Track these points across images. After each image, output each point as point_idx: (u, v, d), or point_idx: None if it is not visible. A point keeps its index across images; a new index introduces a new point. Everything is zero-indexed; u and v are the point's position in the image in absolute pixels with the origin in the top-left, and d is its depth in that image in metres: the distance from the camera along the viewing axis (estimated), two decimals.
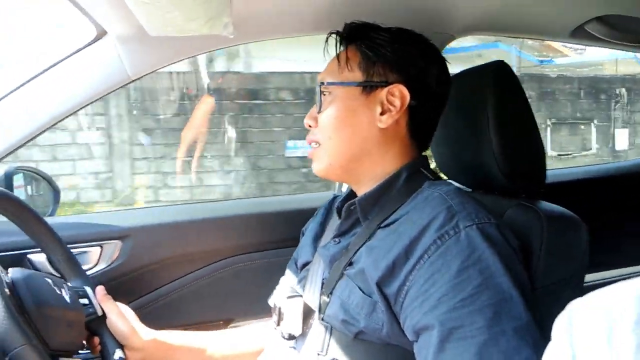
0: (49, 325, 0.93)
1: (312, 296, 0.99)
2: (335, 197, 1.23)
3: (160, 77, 5.43)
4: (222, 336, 1.23)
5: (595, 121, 7.22)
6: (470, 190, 1.16)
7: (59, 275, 1.15)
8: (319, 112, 1.01)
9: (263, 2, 1.22)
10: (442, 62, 1.03)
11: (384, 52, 0.98)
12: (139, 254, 1.46)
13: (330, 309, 0.93)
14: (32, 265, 1.35)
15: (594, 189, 1.85)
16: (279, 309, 1.03)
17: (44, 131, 1.29)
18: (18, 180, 1.47)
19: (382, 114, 0.97)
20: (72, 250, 1.19)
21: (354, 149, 0.99)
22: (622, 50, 1.66)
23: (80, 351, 1.06)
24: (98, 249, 1.43)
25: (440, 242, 0.82)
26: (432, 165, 1.08)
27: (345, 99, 0.99)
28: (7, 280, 0.91)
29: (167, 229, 1.50)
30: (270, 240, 1.57)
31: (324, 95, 1.00)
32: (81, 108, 1.31)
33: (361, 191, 1.01)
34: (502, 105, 1.04)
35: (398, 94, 0.97)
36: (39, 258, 1.34)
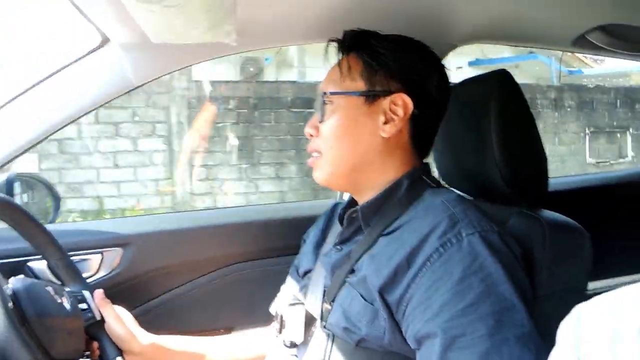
0: (51, 335, 0.93)
1: (314, 304, 0.99)
2: (336, 205, 1.23)
3: (217, 86, 5.55)
4: (222, 342, 1.23)
5: (631, 129, 7.45)
6: (471, 198, 1.16)
7: (58, 282, 1.15)
8: (321, 121, 1.01)
9: (266, 10, 1.22)
10: (442, 70, 1.03)
11: (385, 60, 0.98)
12: (139, 261, 1.46)
13: (332, 317, 0.93)
14: (32, 273, 1.34)
15: (596, 198, 1.85)
16: (281, 316, 1.03)
17: (46, 137, 1.29)
18: (19, 187, 1.47)
19: (385, 123, 0.97)
20: (73, 257, 1.19)
21: (356, 159, 0.99)
22: (623, 59, 1.66)
23: (80, 359, 1.07)
24: (99, 256, 1.43)
25: (443, 250, 0.82)
26: (434, 172, 1.08)
27: (348, 108, 0.99)
28: (9, 293, 0.91)
29: (168, 237, 1.50)
30: (272, 248, 1.57)
31: (326, 104, 1.00)
32: (85, 114, 1.31)
33: (363, 199, 1.01)
34: (505, 114, 1.04)
35: (401, 103, 0.97)
36: (39, 265, 1.33)
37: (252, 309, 1.27)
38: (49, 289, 1.00)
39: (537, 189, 1.08)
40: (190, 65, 1.38)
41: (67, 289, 1.12)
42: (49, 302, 0.97)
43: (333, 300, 0.94)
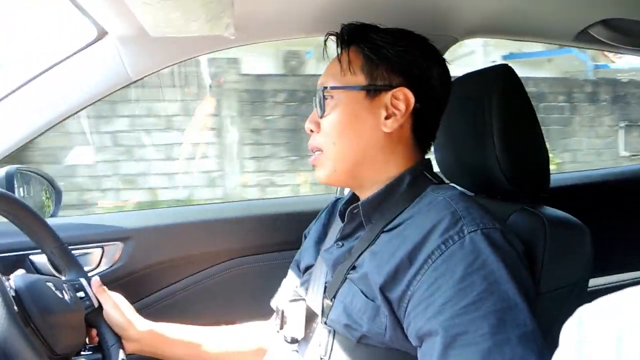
0: (54, 332, 0.94)
1: (315, 300, 0.99)
2: (337, 200, 1.22)
3: (267, 80, 5.62)
4: (219, 332, 1.23)
5: None
6: (472, 194, 1.16)
7: (57, 273, 1.15)
8: (321, 116, 0.99)
9: (264, 3, 1.21)
10: (443, 63, 1.02)
11: (386, 53, 0.97)
12: (140, 255, 1.46)
13: (333, 313, 0.93)
14: (33, 266, 1.35)
15: (597, 194, 1.84)
16: (282, 312, 1.03)
17: (44, 132, 1.28)
18: (19, 181, 1.46)
19: (386, 118, 0.96)
20: (73, 251, 1.19)
21: (358, 155, 0.98)
22: (626, 53, 1.65)
23: (82, 351, 1.07)
24: (99, 250, 1.43)
25: (445, 247, 0.81)
26: (435, 168, 1.07)
27: (349, 103, 0.97)
28: (13, 294, 0.91)
29: (169, 231, 1.50)
30: (273, 243, 1.57)
31: (326, 99, 0.99)
32: (82, 109, 1.31)
33: (364, 195, 1.01)
34: (506, 109, 1.03)
35: (402, 98, 0.96)
36: (40, 259, 1.34)
37: (253, 303, 1.27)
38: (50, 284, 1.00)
39: (538, 185, 1.07)
40: (188, 59, 1.37)
41: (65, 278, 1.12)
42: (51, 299, 0.97)
43: (334, 297, 0.94)
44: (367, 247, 0.93)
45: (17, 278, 0.95)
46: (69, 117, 1.30)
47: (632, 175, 1.98)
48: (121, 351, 1.07)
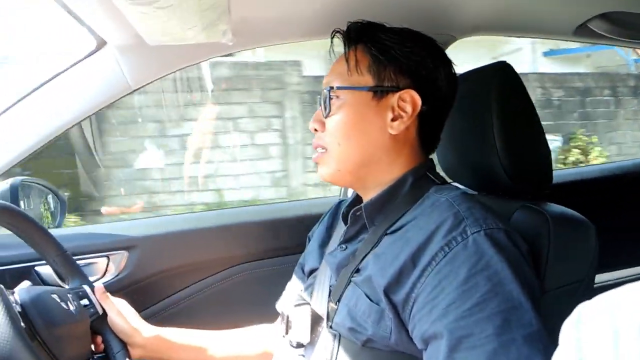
0: (61, 344, 0.94)
1: (320, 304, 0.98)
2: (340, 202, 1.22)
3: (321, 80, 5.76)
4: (224, 337, 1.23)
5: None
6: (475, 192, 1.15)
7: (61, 281, 1.16)
8: (327, 116, 0.98)
9: (261, 8, 1.21)
10: (450, 64, 1.01)
11: (394, 54, 0.96)
12: (145, 264, 1.46)
13: (337, 317, 0.92)
14: (39, 277, 1.35)
15: (601, 189, 1.83)
16: (287, 317, 1.03)
17: (47, 143, 1.29)
18: (23, 192, 1.47)
19: (393, 120, 0.96)
20: (79, 261, 1.19)
21: (363, 156, 0.97)
22: (625, 46, 1.64)
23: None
24: (105, 259, 1.43)
25: (448, 249, 0.80)
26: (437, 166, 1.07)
27: (356, 104, 0.97)
28: (18, 310, 0.91)
29: (174, 239, 1.50)
30: (277, 247, 1.57)
31: (332, 99, 0.98)
32: (84, 119, 1.31)
33: (367, 196, 1.00)
34: (506, 106, 1.03)
35: (409, 100, 0.95)
36: (45, 270, 1.34)
37: (259, 308, 1.27)
38: (55, 296, 1.00)
39: (540, 181, 1.07)
40: (187, 67, 1.37)
41: (68, 286, 1.12)
42: (57, 311, 0.98)
43: (339, 300, 0.93)
44: (370, 250, 0.92)
45: (21, 292, 0.96)
46: (71, 127, 1.30)
47: (636, 170, 1.97)
48: (127, 358, 1.08)
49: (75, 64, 1.27)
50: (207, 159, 5.17)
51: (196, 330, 1.22)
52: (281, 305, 1.16)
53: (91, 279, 1.21)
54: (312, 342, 0.97)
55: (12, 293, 0.95)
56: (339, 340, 0.92)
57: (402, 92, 0.95)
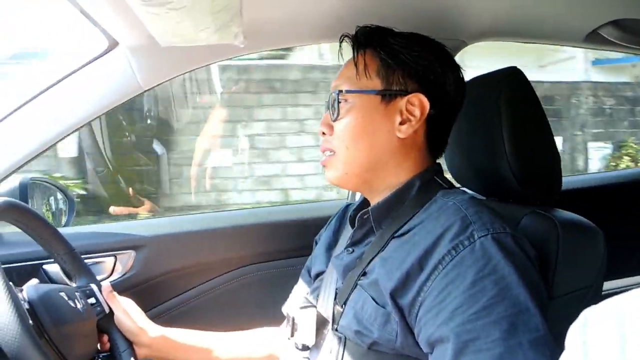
0: (68, 342, 0.95)
1: (326, 306, 0.98)
2: (348, 206, 1.22)
3: None
4: (230, 338, 1.23)
5: None
6: (483, 197, 1.15)
7: (68, 279, 1.16)
8: (335, 120, 0.99)
9: (272, 11, 1.22)
10: (458, 69, 1.02)
11: (403, 58, 0.96)
12: (152, 264, 1.46)
13: (343, 320, 0.92)
14: (47, 276, 1.36)
15: (610, 196, 1.82)
16: (293, 319, 1.03)
17: (57, 142, 1.29)
18: (33, 191, 1.48)
19: (401, 123, 0.96)
20: (86, 260, 1.20)
21: (371, 159, 0.97)
22: (636, 54, 1.64)
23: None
24: (112, 259, 1.44)
25: (455, 253, 0.80)
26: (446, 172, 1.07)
27: (364, 107, 0.97)
28: (27, 307, 0.91)
29: (181, 239, 1.51)
30: (283, 250, 1.57)
31: (340, 103, 0.98)
32: (94, 119, 1.32)
33: (375, 200, 1.00)
34: (516, 112, 1.03)
35: (418, 103, 0.95)
36: (53, 268, 1.35)
37: (266, 310, 1.27)
38: (62, 294, 1.01)
39: (550, 187, 1.06)
40: (199, 68, 1.38)
41: (75, 284, 1.13)
42: (65, 309, 0.98)
43: (345, 303, 0.93)
44: (377, 253, 0.92)
45: (30, 289, 0.96)
46: (81, 126, 1.31)
47: None
48: (133, 358, 1.08)
49: (86, 64, 1.28)
50: (273, 159, 5.25)
51: (202, 331, 1.22)
52: (287, 308, 1.16)
53: (98, 278, 1.21)
54: (318, 345, 0.97)
55: (21, 290, 0.96)
56: (345, 343, 0.91)
57: (410, 95, 0.96)
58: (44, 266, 1.36)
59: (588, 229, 0.98)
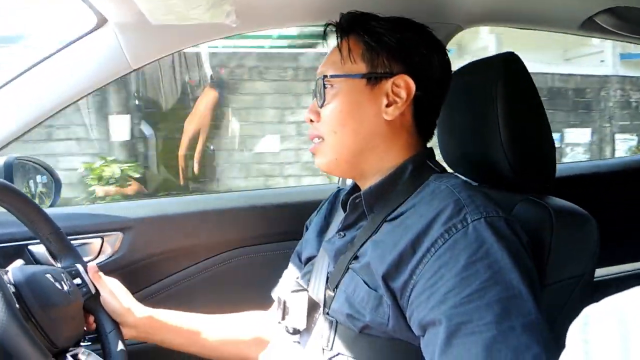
0: (55, 325, 0.93)
1: (317, 290, 0.98)
2: (339, 190, 1.21)
3: None
4: (217, 320, 1.22)
5: None
6: (476, 184, 1.15)
7: (53, 260, 1.14)
8: (321, 106, 0.99)
9: None
10: (443, 50, 1.02)
11: (386, 41, 0.96)
12: (140, 246, 1.45)
13: (335, 304, 0.92)
14: (32, 256, 1.34)
15: (603, 183, 1.83)
16: (284, 303, 1.02)
17: (44, 121, 1.27)
18: (18, 170, 1.45)
19: (387, 105, 0.96)
20: (73, 241, 1.18)
21: (360, 143, 0.97)
22: (630, 42, 1.63)
23: (82, 342, 1.07)
24: (99, 240, 1.42)
25: (448, 236, 0.80)
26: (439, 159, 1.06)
27: (350, 92, 0.97)
28: (13, 290, 0.89)
29: (169, 221, 1.49)
30: (274, 233, 1.56)
31: (326, 88, 0.98)
32: (82, 97, 1.29)
33: (366, 185, 1.00)
34: (512, 98, 1.02)
35: (403, 85, 0.95)
36: (38, 249, 1.33)
37: (255, 293, 1.26)
38: (49, 275, 0.99)
39: (544, 175, 1.06)
40: (189, 47, 1.35)
41: (61, 265, 1.11)
42: (52, 292, 0.96)
43: (336, 287, 0.93)
44: (369, 237, 0.92)
45: (15, 271, 0.94)
46: (69, 105, 1.29)
47: (637, 165, 1.97)
48: (120, 339, 1.07)
49: (74, 41, 1.25)
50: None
51: (189, 313, 1.21)
52: (277, 292, 1.16)
53: (85, 259, 1.19)
54: (309, 329, 0.97)
55: (6, 272, 0.94)
56: (336, 327, 0.91)
57: (395, 77, 0.96)
58: (29, 247, 1.34)
59: (581, 217, 0.98)
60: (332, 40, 1.04)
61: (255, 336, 1.20)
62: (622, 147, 6.27)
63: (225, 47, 4.72)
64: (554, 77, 5.95)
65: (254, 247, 1.55)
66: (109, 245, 1.43)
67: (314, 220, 1.20)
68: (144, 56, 1.30)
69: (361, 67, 0.97)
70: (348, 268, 0.93)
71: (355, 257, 0.93)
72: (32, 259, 1.34)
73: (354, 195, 1.00)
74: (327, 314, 0.93)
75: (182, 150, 4.37)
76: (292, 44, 5.21)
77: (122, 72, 1.29)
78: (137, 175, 4.18)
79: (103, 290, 1.12)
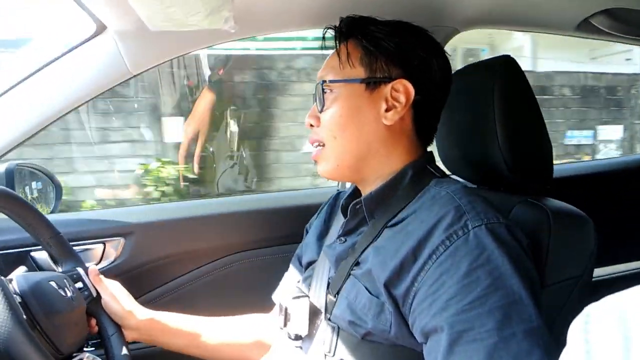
0: (60, 332, 0.94)
1: (318, 296, 0.98)
2: (339, 194, 1.22)
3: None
4: (218, 323, 1.23)
5: None
6: (475, 186, 1.15)
7: (55, 264, 1.15)
8: (321, 110, 0.99)
9: None
10: (443, 54, 1.01)
11: (385, 45, 0.96)
12: (142, 251, 1.45)
13: (337, 310, 0.92)
14: (34, 263, 1.34)
15: (600, 184, 1.84)
16: (285, 309, 1.02)
17: (44, 128, 1.27)
18: (19, 177, 1.46)
19: (387, 110, 0.96)
20: (75, 247, 1.19)
21: (360, 148, 0.97)
22: (626, 43, 1.64)
23: (85, 347, 1.07)
24: (101, 246, 1.43)
25: (449, 243, 0.80)
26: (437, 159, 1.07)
27: (349, 96, 0.97)
28: (19, 300, 0.90)
29: (170, 226, 1.50)
30: (274, 237, 1.57)
31: (326, 93, 0.98)
32: (82, 104, 1.30)
33: (367, 190, 1.00)
34: (509, 100, 1.03)
35: (402, 89, 0.95)
36: (41, 255, 1.34)
37: (256, 297, 1.27)
38: (53, 282, 0.99)
39: (541, 176, 1.06)
40: (188, 53, 1.36)
41: (62, 269, 1.12)
42: (56, 299, 0.97)
43: (337, 293, 0.93)
44: (370, 243, 0.92)
45: (20, 280, 0.95)
46: (69, 112, 1.29)
47: (636, 165, 1.97)
48: (123, 342, 1.08)
49: (73, 48, 1.25)
50: None
51: (190, 315, 1.22)
52: (278, 296, 1.16)
53: (87, 265, 1.20)
54: (311, 335, 0.97)
55: (10, 281, 0.94)
56: (338, 332, 0.91)
57: (394, 82, 0.95)
58: (32, 253, 1.35)
59: (579, 219, 0.99)
60: (330, 45, 1.04)
61: (256, 339, 1.21)
62: None
63: (274, 49, 4.76)
64: (586, 76, 6.03)
65: (255, 251, 1.55)
66: (111, 250, 1.43)
67: (314, 224, 1.20)
68: (143, 62, 1.30)
69: (360, 72, 0.97)
70: (349, 274, 0.93)
71: (357, 263, 0.93)
72: (35, 266, 1.34)
73: (355, 201, 1.00)
74: (329, 319, 0.94)
75: (233, 151, 4.44)
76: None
77: (121, 78, 1.30)
78: (192, 177, 4.22)
79: (104, 293, 1.13)
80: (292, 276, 1.18)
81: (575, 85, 6.22)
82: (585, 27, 1.42)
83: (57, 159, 4.07)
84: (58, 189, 1.56)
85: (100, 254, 1.42)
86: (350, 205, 1.01)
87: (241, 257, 1.54)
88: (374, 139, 0.97)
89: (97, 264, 1.41)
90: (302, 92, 4.92)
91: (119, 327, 1.11)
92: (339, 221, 1.09)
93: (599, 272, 1.63)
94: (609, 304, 0.45)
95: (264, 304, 1.22)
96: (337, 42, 1.01)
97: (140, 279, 1.45)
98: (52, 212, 1.50)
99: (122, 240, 1.44)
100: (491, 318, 0.73)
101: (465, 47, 6.26)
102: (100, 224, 1.45)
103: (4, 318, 0.78)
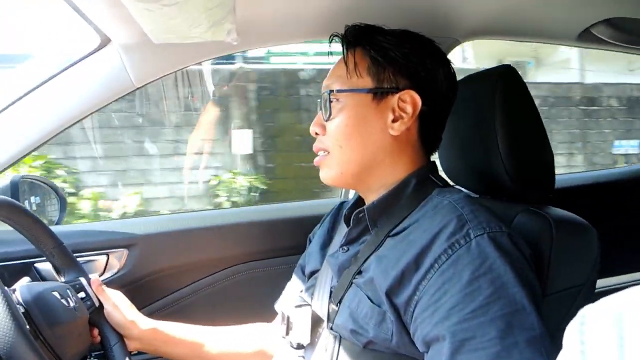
0: (63, 342, 0.95)
1: (321, 305, 0.98)
2: (342, 204, 1.22)
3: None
4: (221, 333, 1.23)
5: None
6: (477, 195, 1.15)
7: (57, 277, 1.15)
8: (327, 119, 0.99)
9: (266, 8, 1.21)
10: (449, 64, 1.02)
11: (393, 55, 0.96)
12: (145, 262, 1.46)
13: (339, 319, 0.92)
14: (38, 274, 1.35)
15: (603, 194, 1.83)
16: (288, 318, 1.02)
17: (49, 140, 1.28)
18: (24, 189, 1.47)
19: (393, 121, 0.96)
20: (78, 259, 1.19)
21: (365, 158, 0.97)
22: (627, 52, 1.64)
23: (87, 358, 1.07)
24: (104, 257, 1.43)
25: (451, 252, 0.80)
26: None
27: (356, 106, 0.97)
28: (22, 311, 0.91)
29: (174, 237, 1.50)
30: (277, 248, 1.57)
31: (332, 102, 0.98)
32: (86, 116, 1.31)
33: (370, 198, 1.00)
34: (510, 110, 1.03)
35: (409, 100, 0.95)
36: (44, 266, 1.34)
37: (258, 308, 1.27)
38: (56, 293, 1.00)
39: (544, 185, 1.06)
40: (192, 65, 1.37)
41: (65, 279, 1.12)
42: (59, 310, 0.98)
43: (340, 302, 0.93)
44: (373, 252, 0.92)
45: (23, 290, 0.95)
46: (73, 124, 1.30)
47: (638, 175, 1.97)
48: (126, 352, 1.08)
49: (78, 61, 1.26)
50: None
51: (192, 325, 1.22)
52: (281, 305, 1.16)
53: (90, 276, 1.20)
54: (313, 343, 0.97)
55: (14, 291, 0.95)
56: (340, 341, 0.91)
57: (401, 92, 0.96)
58: (36, 264, 1.35)
59: (582, 227, 0.99)
60: (337, 53, 1.04)
61: (258, 348, 1.21)
62: None
63: (316, 63, 4.77)
64: (631, 87, 6.13)
65: (258, 262, 1.55)
66: (115, 261, 1.43)
67: (317, 233, 1.20)
68: (147, 75, 1.31)
69: (367, 82, 0.97)
70: (352, 283, 0.93)
71: (359, 272, 0.93)
72: (39, 277, 1.34)
73: (358, 210, 1.00)
74: (331, 328, 0.93)
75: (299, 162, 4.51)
76: None
77: (125, 90, 1.31)
78: (263, 187, 4.30)
79: (106, 303, 1.13)
80: (295, 285, 1.18)
81: (621, 97, 6.37)
82: (587, 37, 1.43)
83: (132, 171, 4.16)
84: (62, 201, 1.56)
85: (104, 265, 1.42)
86: (353, 214, 1.01)
87: (244, 268, 1.54)
88: (380, 149, 0.97)
89: (100, 275, 1.41)
90: None
91: (121, 337, 1.11)
92: (342, 231, 1.10)
93: (603, 282, 1.62)
94: (604, 305, 0.45)
95: (268, 316, 1.22)
96: (344, 50, 1.01)
97: (143, 291, 1.45)
98: (56, 223, 1.50)
99: (125, 251, 1.44)
100: (493, 327, 0.73)
101: (511, 60, 6.42)
102: (104, 236, 1.45)
103: (7, 328, 0.78)
